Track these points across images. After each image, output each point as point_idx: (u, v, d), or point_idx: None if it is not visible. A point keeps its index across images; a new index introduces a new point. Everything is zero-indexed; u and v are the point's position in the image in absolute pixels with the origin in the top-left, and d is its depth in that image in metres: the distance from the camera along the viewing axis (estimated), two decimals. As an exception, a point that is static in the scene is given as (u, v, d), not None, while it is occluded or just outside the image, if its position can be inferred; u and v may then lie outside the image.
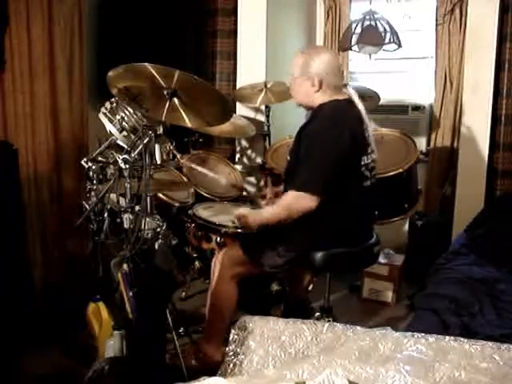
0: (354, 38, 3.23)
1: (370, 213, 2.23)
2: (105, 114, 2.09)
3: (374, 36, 3.18)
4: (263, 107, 3.47)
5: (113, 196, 1.98)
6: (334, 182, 1.94)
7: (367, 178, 2.06)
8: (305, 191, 1.89)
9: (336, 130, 1.93)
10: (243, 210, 2.10)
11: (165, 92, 1.89)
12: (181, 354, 2.08)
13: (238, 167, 3.36)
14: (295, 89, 2.10)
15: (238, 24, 3.61)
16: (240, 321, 1.49)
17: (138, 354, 1.94)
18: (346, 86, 2.08)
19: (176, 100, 1.95)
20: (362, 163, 2.01)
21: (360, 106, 2.04)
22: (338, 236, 2.05)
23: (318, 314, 2.38)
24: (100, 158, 2.11)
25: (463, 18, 3.35)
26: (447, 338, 1.36)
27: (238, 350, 1.40)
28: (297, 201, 1.91)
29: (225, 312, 2.17)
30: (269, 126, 3.45)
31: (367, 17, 3.18)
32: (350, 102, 2.05)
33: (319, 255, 2.04)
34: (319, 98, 2.04)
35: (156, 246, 1.98)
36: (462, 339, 1.34)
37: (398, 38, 3.18)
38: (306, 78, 2.02)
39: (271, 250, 2.06)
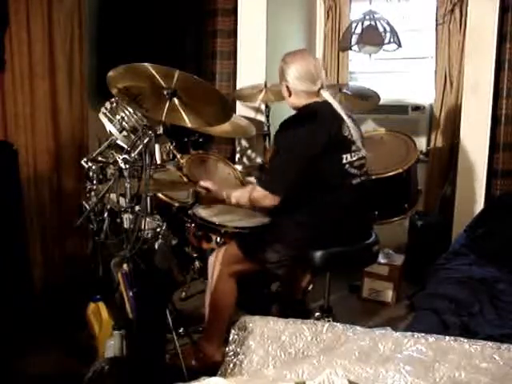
0: (354, 38, 3.23)
1: (363, 210, 2.21)
2: (105, 114, 2.09)
3: (374, 36, 3.18)
4: (263, 107, 3.47)
5: (113, 196, 1.98)
6: (313, 180, 2.02)
7: (354, 175, 2.08)
8: (269, 191, 2.03)
9: (305, 131, 2.01)
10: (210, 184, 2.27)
11: (165, 92, 1.89)
12: (181, 354, 2.08)
13: (238, 167, 3.36)
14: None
15: (238, 24, 3.61)
16: (240, 321, 1.49)
17: (138, 354, 1.94)
18: (321, 89, 2.10)
19: (176, 100, 1.95)
20: (345, 161, 2.04)
21: (337, 106, 2.06)
22: (330, 233, 2.06)
23: (317, 313, 2.38)
24: (100, 158, 2.11)
25: (463, 18, 3.35)
26: (447, 338, 1.36)
27: (238, 349, 1.40)
28: (262, 198, 2.06)
29: (224, 311, 2.18)
30: (269, 126, 3.44)
31: (367, 17, 3.19)
32: (325, 104, 2.09)
33: (318, 254, 2.05)
34: (295, 102, 2.14)
35: (156, 246, 1.98)
36: (462, 339, 1.34)
37: (397, 38, 3.19)
38: (281, 83, 2.16)
39: (267, 246, 2.09)
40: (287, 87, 2.11)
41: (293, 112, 2.24)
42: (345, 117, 2.05)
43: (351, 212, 2.10)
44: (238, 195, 2.16)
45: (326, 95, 2.08)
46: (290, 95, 2.13)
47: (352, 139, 2.07)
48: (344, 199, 2.06)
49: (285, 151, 2.05)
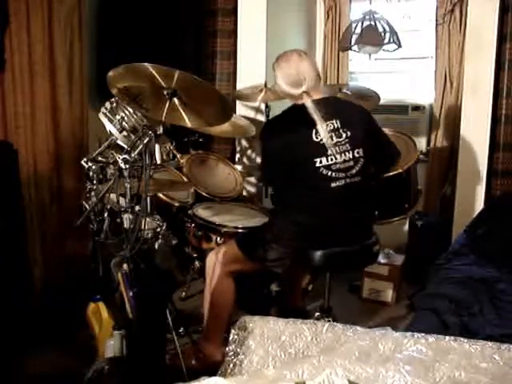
0: (354, 38, 3.23)
1: (353, 211, 2.18)
2: (105, 113, 2.09)
3: (373, 36, 3.18)
4: (263, 107, 3.47)
5: (113, 196, 1.98)
6: (294, 181, 2.10)
7: (335, 178, 2.07)
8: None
9: (273, 133, 2.14)
10: None
11: (165, 92, 1.89)
12: (181, 354, 2.08)
13: (238, 167, 3.36)
14: None
15: (238, 24, 3.61)
16: (240, 321, 1.49)
17: (138, 354, 1.94)
18: (305, 92, 2.12)
19: (176, 100, 1.95)
20: (318, 164, 2.05)
21: (313, 111, 2.06)
22: (317, 233, 2.09)
23: (317, 314, 2.38)
24: (100, 158, 2.11)
25: (463, 18, 3.35)
26: (447, 338, 1.36)
27: (238, 349, 1.40)
28: None
29: (223, 309, 2.18)
30: (269, 126, 3.44)
31: (367, 17, 3.19)
32: (300, 108, 2.10)
33: (318, 254, 2.05)
34: (291, 102, 2.21)
35: (156, 246, 1.98)
36: (461, 339, 1.34)
37: (397, 38, 3.18)
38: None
39: (264, 244, 2.11)
40: (279, 92, 2.21)
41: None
42: (319, 122, 2.04)
43: (334, 213, 2.10)
44: None
45: (305, 99, 2.10)
46: (283, 98, 2.23)
47: (325, 144, 2.05)
48: (323, 201, 2.08)
49: (261, 150, 2.22)
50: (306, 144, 2.06)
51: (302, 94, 2.10)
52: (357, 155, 2.11)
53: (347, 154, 2.09)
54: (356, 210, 2.16)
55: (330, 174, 2.06)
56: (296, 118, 2.13)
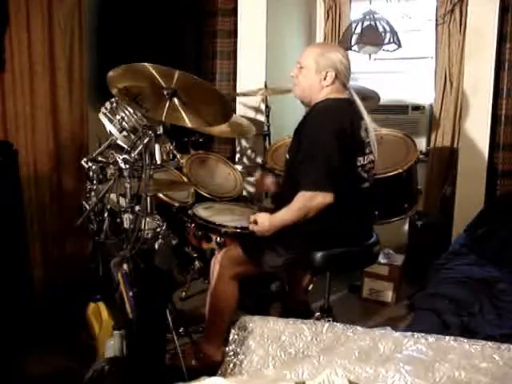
0: (354, 38, 3.23)
1: (368, 214, 2.23)
2: (105, 114, 2.09)
3: (373, 36, 3.18)
4: (263, 107, 3.47)
5: (113, 196, 1.98)
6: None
7: (365, 179, 2.06)
8: (318, 190, 1.90)
9: (329, 128, 1.93)
10: (259, 216, 2.06)
11: (165, 92, 1.89)
12: (181, 354, 2.08)
13: (238, 167, 3.36)
14: (301, 80, 2.07)
15: (238, 24, 3.61)
16: (240, 321, 1.49)
17: (138, 354, 1.94)
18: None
19: (176, 100, 1.95)
20: (358, 164, 2.01)
21: (360, 106, 2.05)
22: (337, 237, 2.05)
23: (317, 314, 2.37)
24: (100, 158, 2.11)
25: (463, 18, 3.35)
26: (447, 338, 1.36)
27: (238, 349, 1.40)
28: (312, 200, 1.91)
29: (225, 312, 2.17)
30: (269, 126, 3.45)
31: (367, 17, 3.19)
32: (349, 101, 2.06)
33: (319, 255, 2.04)
34: (322, 94, 2.04)
35: (156, 246, 1.98)
36: (461, 339, 1.35)
37: (397, 38, 3.19)
38: (318, 70, 2.01)
39: (271, 249, 2.06)
40: (335, 75, 2.00)
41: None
42: (365, 117, 2.03)
43: (358, 216, 2.09)
44: (286, 211, 1.98)
45: (353, 93, 2.06)
46: (330, 84, 2.02)
47: (367, 141, 2.05)
48: (353, 204, 2.04)
49: (317, 148, 1.93)
50: (355, 141, 1.99)
51: (347, 89, 2.06)
52: (372, 158, 2.10)
53: (372, 154, 2.08)
54: (369, 212, 2.16)
55: (363, 174, 2.04)
56: (345, 112, 2.00)
